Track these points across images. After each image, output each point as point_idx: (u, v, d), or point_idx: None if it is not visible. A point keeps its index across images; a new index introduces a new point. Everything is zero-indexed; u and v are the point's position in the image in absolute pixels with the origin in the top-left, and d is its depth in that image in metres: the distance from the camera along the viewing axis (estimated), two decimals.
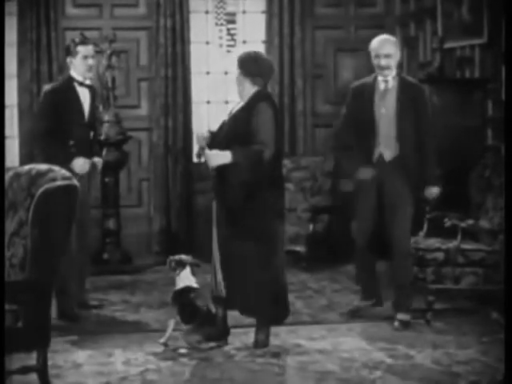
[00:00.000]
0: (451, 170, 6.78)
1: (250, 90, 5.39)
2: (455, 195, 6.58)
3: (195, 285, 5.49)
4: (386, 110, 5.83)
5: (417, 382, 4.82)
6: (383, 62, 5.80)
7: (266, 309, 5.40)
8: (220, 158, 5.24)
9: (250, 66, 5.38)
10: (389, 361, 5.17)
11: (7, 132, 8.27)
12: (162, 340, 5.41)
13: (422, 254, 6.06)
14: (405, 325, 5.84)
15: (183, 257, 5.57)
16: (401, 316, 5.88)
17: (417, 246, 6.15)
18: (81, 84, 6.14)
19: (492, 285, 5.98)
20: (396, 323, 5.85)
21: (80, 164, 6.02)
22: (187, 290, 5.46)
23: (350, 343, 5.54)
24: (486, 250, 6.05)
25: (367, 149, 5.87)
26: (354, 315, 6.10)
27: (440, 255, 6.03)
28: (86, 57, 6.13)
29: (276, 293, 5.42)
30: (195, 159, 5.68)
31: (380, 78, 5.87)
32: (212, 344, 5.42)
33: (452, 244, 6.02)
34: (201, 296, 5.55)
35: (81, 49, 6.13)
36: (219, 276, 5.43)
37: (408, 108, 5.79)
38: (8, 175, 4.59)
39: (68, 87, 6.11)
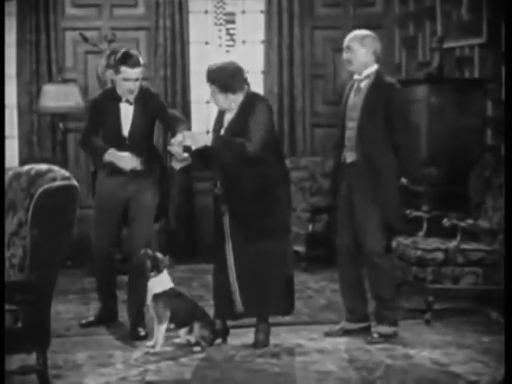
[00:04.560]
0: (451, 170, 6.80)
1: (238, 98, 5.38)
2: (455, 195, 6.59)
3: (172, 285, 5.44)
4: (353, 111, 5.56)
5: (416, 382, 4.82)
6: (345, 55, 5.59)
7: (282, 304, 5.45)
8: (200, 138, 5.29)
9: (231, 83, 5.31)
10: (388, 361, 5.17)
11: (6, 132, 8.27)
12: (158, 348, 5.32)
13: (422, 254, 6.06)
14: (386, 337, 5.53)
15: (160, 257, 5.41)
16: (381, 329, 5.57)
17: (416, 245, 6.15)
18: (122, 100, 5.70)
19: (491, 285, 5.98)
20: (375, 334, 5.54)
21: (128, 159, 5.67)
22: (170, 293, 5.39)
23: (349, 343, 5.54)
24: (486, 249, 6.05)
25: (338, 150, 5.66)
26: (338, 335, 5.68)
27: (439, 255, 6.03)
28: (126, 79, 5.58)
29: (290, 285, 5.48)
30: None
31: (356, 78, 5.61)
32: (218, 341, 5.49)
33: (451, 244, 6.02)
34: (186, 296, 5.57)
35: (124, 69, 5.57)
36: (236, 289, 5.39)
37: (376, 109, 5.45)
38: (8, 175, 4.60)
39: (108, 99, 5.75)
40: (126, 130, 5.70)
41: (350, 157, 5.56)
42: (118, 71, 5.62)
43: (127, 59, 5.59)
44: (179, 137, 5.35)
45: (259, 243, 5.33)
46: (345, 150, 5.59)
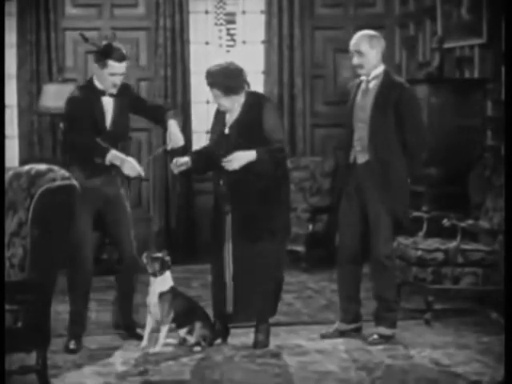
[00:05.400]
0: (451, 170, 6.80)
1: (241, 98, 5.39)
2: (455, 195, 6.59)
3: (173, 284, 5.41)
4: (362, 112, 5.51)
5: (416, 383, 4.81)
6: (355, 60, 5.50)
7: (272, 307, 5.48)
8: (245, 157, 5.24)
9: (233, 84, 5.31)
10: (388, 361, 5.17)
11: (7, 132, 8.27)
12: (157, 349, 5.29)
13: (422, 254, 6.06)
14: (385, 339, 5.52)
15: (165, 256, 5.34)
16: (381, 330, 5.54)
17: (416, 246, 6.15)
18: (105, 93, 5.42)
19: (491, 285, 5.98)
20: (375, 336, 5.51)
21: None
22: (173, 291, 5.37)
23: (349, 343, 5.54)
24: (486, 250, 6.05)
25: (346, 151, 5.62)
26: (334, 337, 5.66)
27: (439, 255, 6.03)
28: (113, 74, 5.33)
29: (280, 288, 5.52)
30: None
31: (363, 78, 5.56)
32: (218, 341, 5.48)
33: (451, 244, 6.02)
34: (187, 296, 5.55)
35: (111, 64, 5.30)
36: (229, 292, 5.40)
37: (386, 109, 5.41)
38: (8, 175, 4.60)
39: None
40: (108, 123, 5.44)
41: (361, 157, 5.51)
42: (103, 65, 5.32)
43: (113, 53, 5.33)
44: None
45: (260, 244, 5.33)
46: (354, 150, 5.55)
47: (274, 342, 5.50)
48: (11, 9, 8.27)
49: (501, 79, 6.64)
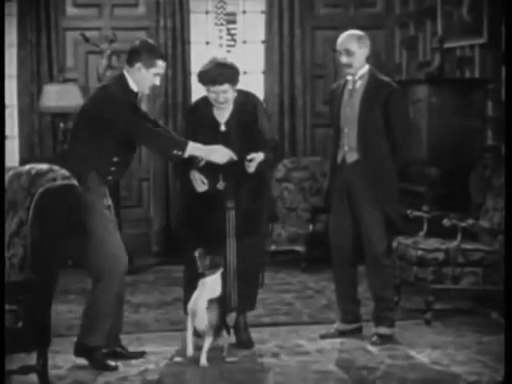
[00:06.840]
0: (451, 170, 6.80)
1: (234, 95, 5.40)
2: (455, 195, 6.59)
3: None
4: (350, 111, 5.50)
5: (416, 383, 4.82)
6: (343, 59, 5.50)
7: (255, 298, 5.49)
8: (258, 158, 5.25)
9: (236, 76, 5.34)
10: (388, 361, 5.17)
11: (7, 132, 8.28)
12: (203, 362, 5.01)
13: (422, 254, 6.06)
14: (385, 339, 5.51)
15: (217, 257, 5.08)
16: (381, 330, 5.54)
17: (417, 245, 6.15)
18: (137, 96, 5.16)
19: (492, 285, 5.98)
20: (374, 337, 5.50)
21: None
22: (222, 300, 5.11)
23: (349, 343, 5.54)
24: (486, 249, 6.05)
25: (334, 151, 5.62)
26: (334, 337, 5.66)
27: (440, 255, 6.03)
28: (157, 74, 5.06)
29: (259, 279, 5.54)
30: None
31: (349, 78, 5.57)
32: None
33: (452, 244, 6.02)
34: None
35: (159, 63, 5.03)
36: (233, 287, 5.34)
37: (374, 108, 5.43)
38: (8, 175, 4.60)
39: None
40: None
41: (351, 157, 5.52)
42: (151, 65, 5.01)
43: (159, 51, 5.13)
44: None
45: (255, 237, 5.36)
46: (342, 150, 5.55)
47: (274, 342, 5.51)
48: (11, 9, 8.28)
49: (501, 79, 6.64)
